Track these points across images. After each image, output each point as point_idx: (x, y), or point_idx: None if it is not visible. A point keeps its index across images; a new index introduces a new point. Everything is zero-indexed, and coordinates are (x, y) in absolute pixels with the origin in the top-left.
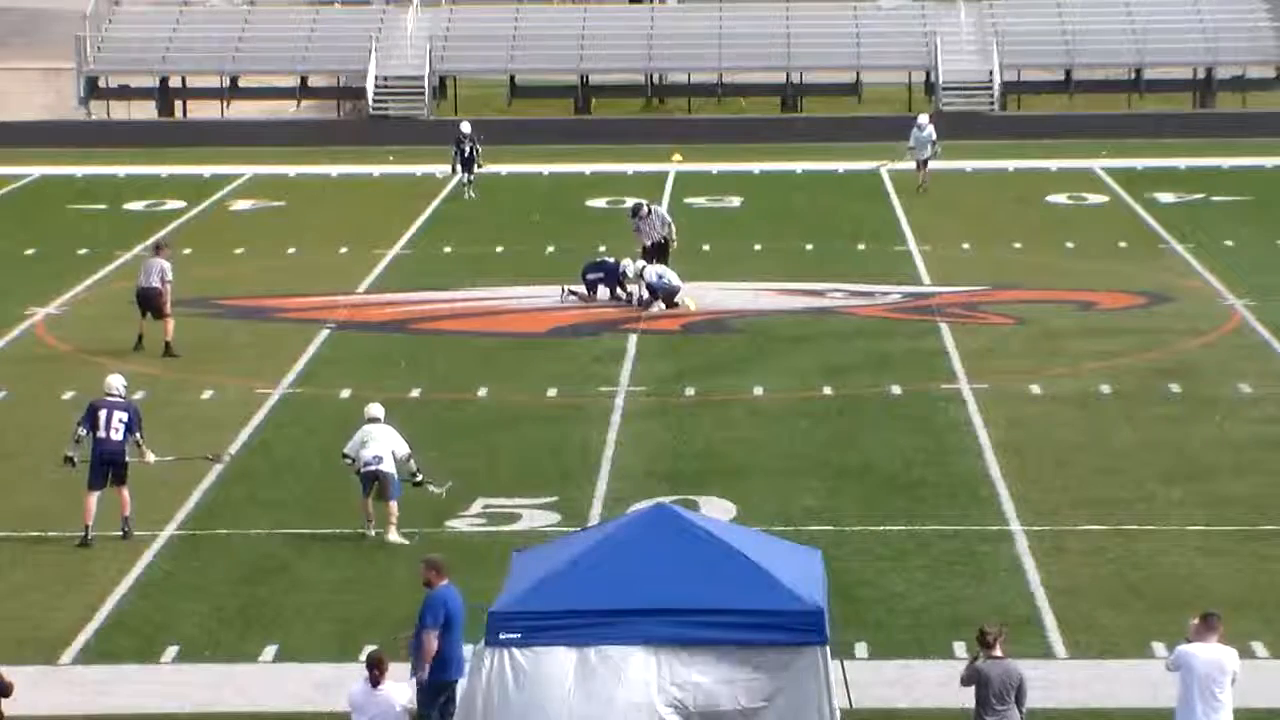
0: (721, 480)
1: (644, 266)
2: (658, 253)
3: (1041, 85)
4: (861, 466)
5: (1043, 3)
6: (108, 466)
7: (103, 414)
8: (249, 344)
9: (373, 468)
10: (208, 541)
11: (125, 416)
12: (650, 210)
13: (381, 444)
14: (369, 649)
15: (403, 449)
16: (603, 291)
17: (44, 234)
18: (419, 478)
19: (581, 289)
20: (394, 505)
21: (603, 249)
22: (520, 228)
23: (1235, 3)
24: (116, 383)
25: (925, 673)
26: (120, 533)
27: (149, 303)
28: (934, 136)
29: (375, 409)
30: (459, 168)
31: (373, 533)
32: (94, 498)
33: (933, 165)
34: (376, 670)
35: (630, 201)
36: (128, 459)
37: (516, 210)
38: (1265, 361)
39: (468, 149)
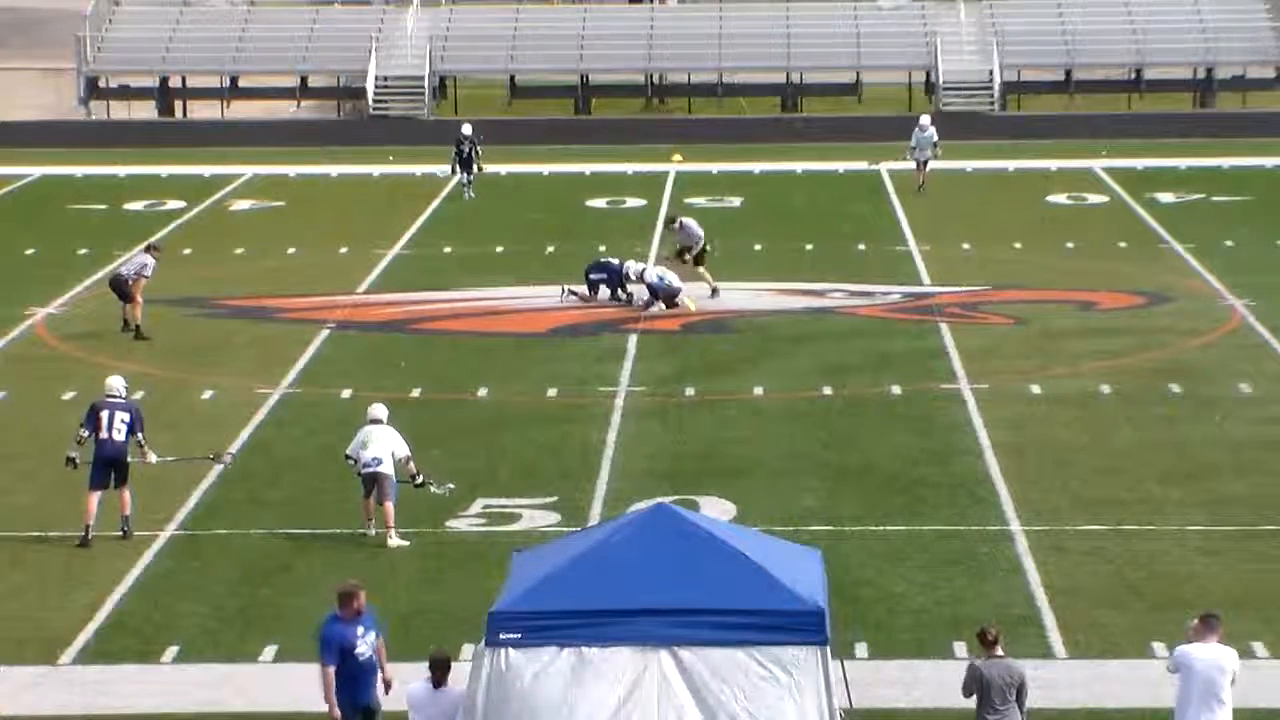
0: (721, 480)
1: (644, 268)
2: (693, 259)
3: (1041, 85)
4: (861, 466)
5: (1043, 3)
6: (110, 467)
7: (104, 415)
8: (249, 344)
9: (371, 469)
10: (208, 541)
11: (127, 417)
12: (681, 224)
13: (381, 445)
14: (432, 648)
15: (402, 450)
16: (604, 291)
17: (44, 234)
18: (419, 479)
19: (582, 289)
20: (390, 507)
21: (603, 249)
22: (520, 228)
23: (1235, 3)
24: (116, 384)
25: (925, 673)
26: (120, 532)
27: (117, 289)
28: (935, 138)
29: (378, 410)
30: (458, 168)
31: (373, 532)
32: (95, 498)
33: (933, 165)
34: (439, 671)
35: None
36: (129, 459)
37: (516, 210)
38: (1265, 361)
39: (467, 150)
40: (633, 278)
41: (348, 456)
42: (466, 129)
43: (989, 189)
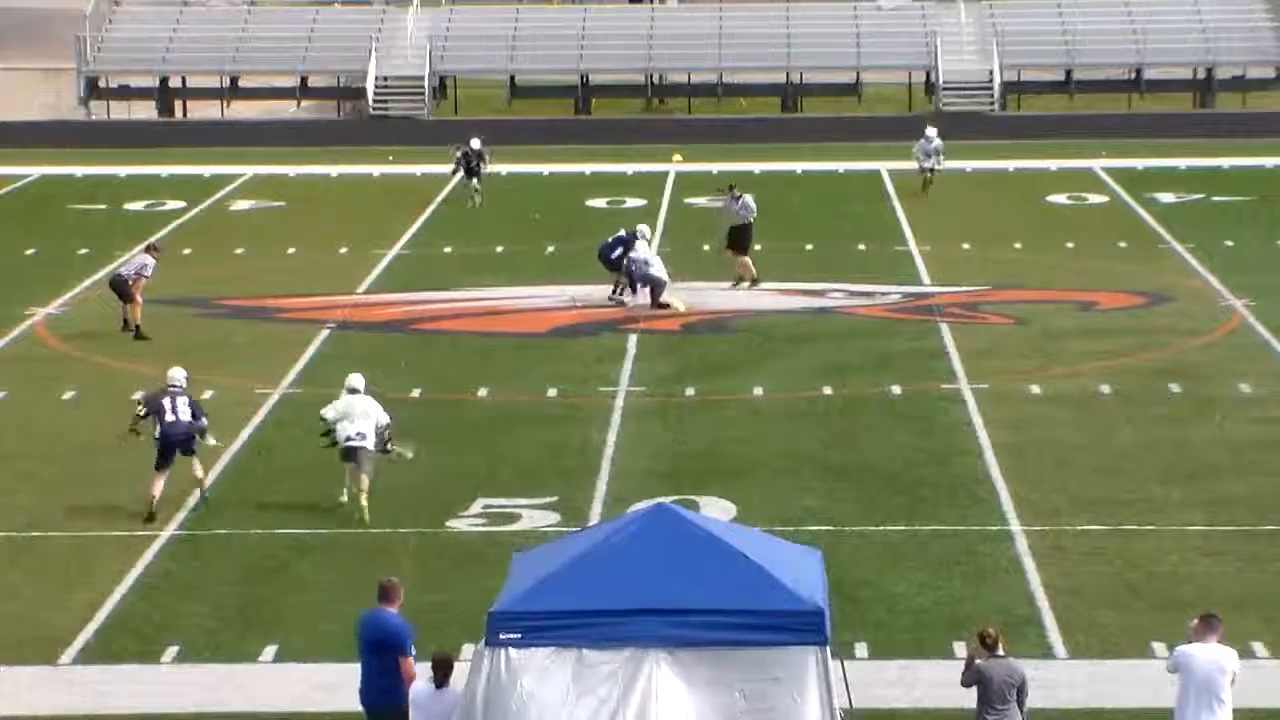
0: (721, 480)
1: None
2: (737, 237)
3: (1041, 85)
4: (861, 466)
5: (1043, 3)
6: (176, 447)
7: (166, 401)
8: (249, 344)
9: (354, 444)
10: (208, 541)
11: (188, 400)
12: (739, 196)
13: (364, 419)
14: (433, 649)
15: (384, 419)
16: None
17: (44, 234)
18: (389, 447)
19: (621, 288)
20: (365, 479)
21: None
22: (520, 228)
23: (1235, 3)
24: (178, 375)
25: (925, 673)
26: (200, 499)
27: (117, 289)
28: (940, 149)
29: (356, 380)
30: (464, 174)
31: (345, 499)
32: (161, 478)
33: (936, 167)
34: (441, 671)
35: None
36: (195, 437)
37: (517, 210)
38: (1265, 361)
39: (474, 163)
40: (649, 239)
41: (322, 418)
42: (475, 143)
43: (989, 189)
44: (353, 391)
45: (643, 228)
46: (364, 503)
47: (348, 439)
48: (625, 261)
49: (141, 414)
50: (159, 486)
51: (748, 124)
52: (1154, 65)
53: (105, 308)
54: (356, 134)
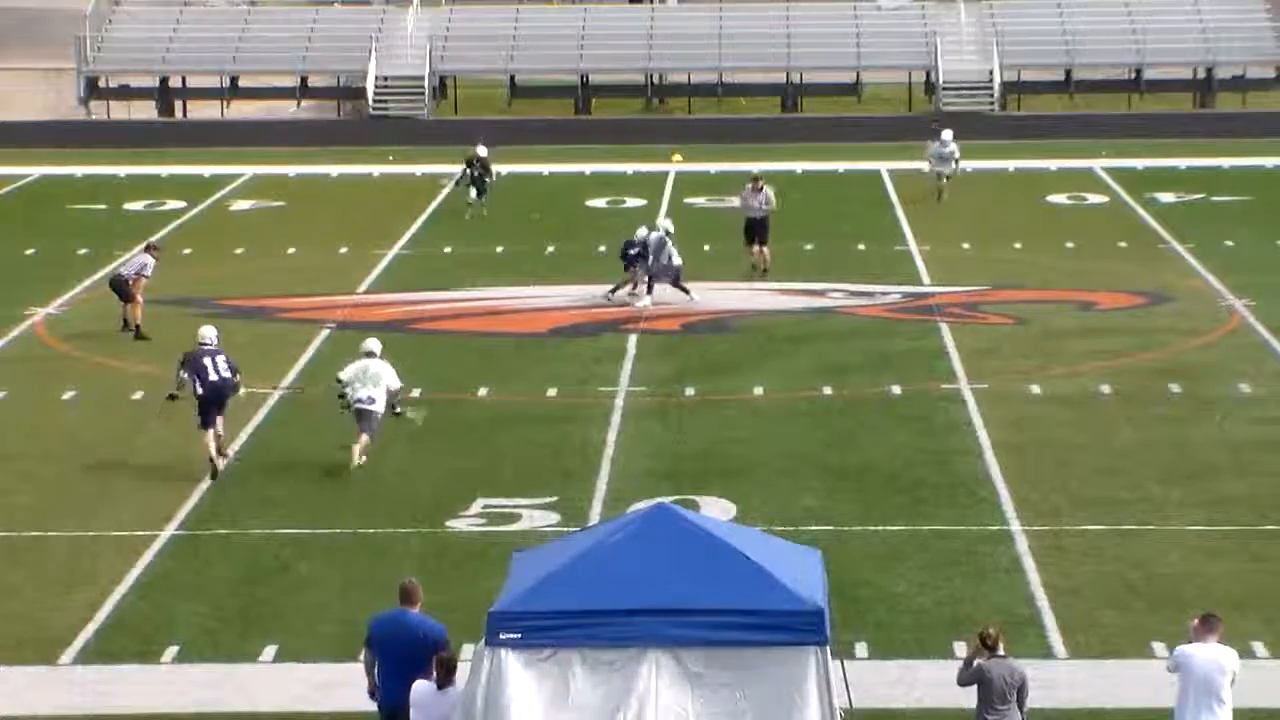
0: (721, 480)
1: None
2: (755, 229)
3: (1041, 85)
4: (861, 466)
5: (1043, 3)
6: (217, 405)
7: (207, 360)
8: (249, 344)
9: (364, 406)
10: (208, 541)
11: (226, 358)
12: (761, 188)
13: (377, 384)
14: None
15: (395, 384)
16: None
17: (44, 234)
18: (398, 409)
19: (623, 295)
20: (365, 438)
21: (602, 249)
22: (520, 228)
23: (1235, 3)
24: (210, 333)
25: (925, 673)
26: (218, 457)
27: (117, 289)
28: (955, 153)
29: (372, 344)
30: (469, 188)
31: (358, 460)
32: (210, 434)
33: (952, 173)
34: (444, 671)
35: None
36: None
37: (516, 210)
38: (1265, 361)
39: (478, 172)
40: (673, 233)
41: (338, 380)
42: (482, 150)
43: (989, 189)
44: (368, 355)
45: (664, 221)
46: (358, 461)
47: (358, 401)
48: (646, 263)
49: (184, 377)
50: (211, 444)
51: (748, 124)
52: (1154, 65)
53: (105, 308)
54: (356, 134)
